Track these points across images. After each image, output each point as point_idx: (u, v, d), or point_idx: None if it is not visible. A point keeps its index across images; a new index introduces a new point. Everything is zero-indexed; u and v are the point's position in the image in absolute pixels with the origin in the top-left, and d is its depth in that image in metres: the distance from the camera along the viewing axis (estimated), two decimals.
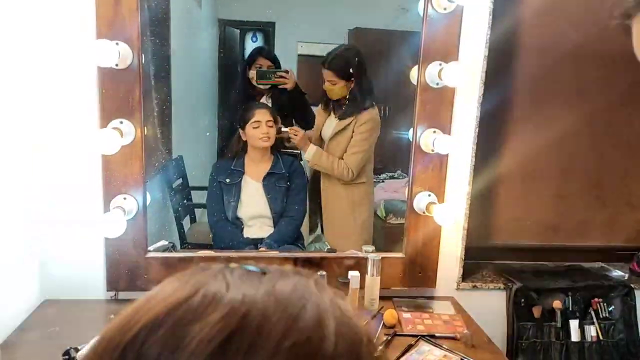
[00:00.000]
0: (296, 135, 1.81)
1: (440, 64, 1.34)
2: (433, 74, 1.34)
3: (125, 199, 1.30)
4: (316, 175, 1.91)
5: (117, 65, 1.20)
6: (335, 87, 1.77)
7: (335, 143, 1.80)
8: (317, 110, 1.90)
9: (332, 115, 1.83)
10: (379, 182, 1.95)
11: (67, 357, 1.07)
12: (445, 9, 1.31)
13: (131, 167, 1.29)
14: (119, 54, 1.19)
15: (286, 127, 1.89)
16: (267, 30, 2.12)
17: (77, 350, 1.09)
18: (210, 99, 2.18)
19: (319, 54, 2.05)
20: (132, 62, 1.24)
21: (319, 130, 1.87)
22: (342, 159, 1.78)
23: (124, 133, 1.24)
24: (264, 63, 1.97)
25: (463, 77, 1.30)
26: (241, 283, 0.31)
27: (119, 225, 1.23)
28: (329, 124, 1.85)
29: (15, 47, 1.18)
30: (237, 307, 0.28)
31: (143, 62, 1.27)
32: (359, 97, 1.75)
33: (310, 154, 1.81)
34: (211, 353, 0.26)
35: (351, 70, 1.75)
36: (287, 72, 1.91)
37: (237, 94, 2.15)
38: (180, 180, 2.04)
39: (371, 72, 1.82)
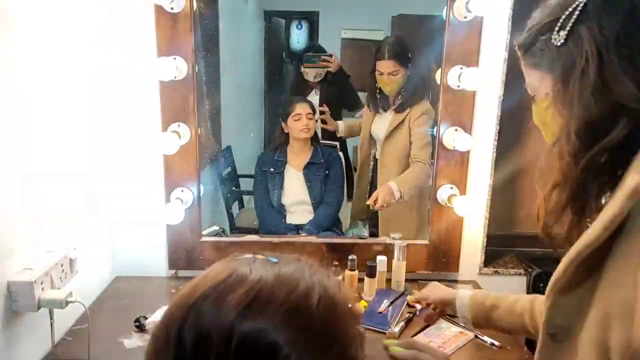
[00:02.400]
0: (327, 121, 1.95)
1: (461, 68, 1.45)
2: (454, 77, 1.46)
3: (182, 191, 1.51)
4: (374, 165, 1.94)
5: (175, 77, 1.40)
6: (397, 77, 1.76)
7: (393, 140, 1.81)
8: (364, 111, 1.96)
9: (382, 112, 1.85)
10: None
11: (137, 323, 1.30)
12: (465, 17, 1.42)
13: (187, 163, 1.50)
14: (176, 68, 1.39)
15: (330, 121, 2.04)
16: (311, 18, 2.22)
17: (145, 318, 1.31)
18: (258, 91, 2.32)
19: (362, 37, 2.18)
20: (187, 74, 1.43)
21: (367, 129, 1.93)
22: (410, 155, 1.78)
23: (181, 135, 1.45)
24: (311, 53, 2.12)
25: (481, 82, 1.41)
26: (260, 268, 0.48)
27: (178, 213, 1.45)
28: (379, 122, 1.88)
29: (94, 66, 1.40)
30: (255, 284, 0.46)
31: (197, 72, 1.47)
32: (417, 87, 1.76)
33: (341, 129, 1.99)
34: (238, 312, 0.43)
35: (410, 56, 1.76)
36: (330, 55, 2.05)
37: (288, 87, 2.31)
38: (229, 169, 2.22)
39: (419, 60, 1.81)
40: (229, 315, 0.43)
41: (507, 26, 1.44)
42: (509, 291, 1.64)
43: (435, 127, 1.57)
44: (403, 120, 1.78)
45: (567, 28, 0.66)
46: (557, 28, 0.67)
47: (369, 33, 2.17)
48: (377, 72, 1.80)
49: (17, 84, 1.06)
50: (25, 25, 1.08)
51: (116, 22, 1.41)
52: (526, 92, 0.77)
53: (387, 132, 1.83)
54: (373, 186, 1.94)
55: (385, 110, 1.86)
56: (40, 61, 1.15)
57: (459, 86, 1.46)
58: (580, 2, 0.65)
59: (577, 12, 0.65)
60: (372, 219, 1.96)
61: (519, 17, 1.44)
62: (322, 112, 2.02)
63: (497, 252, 1.72)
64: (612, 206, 0.64)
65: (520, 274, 1.68)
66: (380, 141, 1.88)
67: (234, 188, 2.24)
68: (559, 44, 0.67)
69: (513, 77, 1.48)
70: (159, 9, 1.38)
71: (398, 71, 1.76)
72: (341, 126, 2.04)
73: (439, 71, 1.54)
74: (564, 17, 0.66)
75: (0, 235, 1.02)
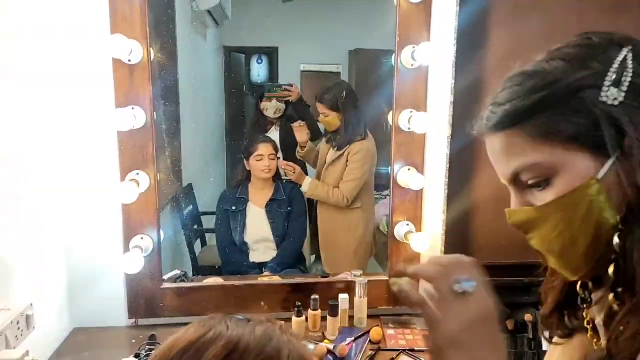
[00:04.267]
0: (293, 172, 1.98)
1: (411, 112, 1.53)
2: (405, 120, 1.53)
3: (142, 238, 1.50)
4: (314, 202, 2.06)
5: (133, 127, 1.42)
6: (328, 119, 1.94)
7: (331, 171, 1.95)
8: (322, 143, 2.05)
9: (332, 145, 1.99)
10: (381, 198, 2.04)
11: None
12: (412, 65, 1.50)
13: (147, 211, 1.50)
14: (134, 117, 1.40)
15: (288, 159, 2.07)
16: (271, 53, 2.27)
17: None
18: (218, 124, 2.33)
19: (322, 71, 2.23)
20: (146, 122, 1.45)
21: (324, 158, 2.02)
22: (338, 187, 1.94)
23: (140, 183, 1.45)
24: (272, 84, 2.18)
25: (430, 124, 1.49)
26: (235, 326, 0.54)
27: (138, 262, 1.44)
28: (330, 154, 2.00)
29: (51, 117, 1.40)
30: (232, 340, 0.52)
31: (155, 119, 1.49)
32: (351, 129, 1.90)
33: (306, 186, 1.99)
34: None
35: (340, 103, 1.90)
36: (291, 85, 2.11)
37: (249, 124, 2.33)
38: (190, 207, 2.21)
39: (370, 97, 1.96)
40: None
41: (452, 73, 1.53)
42: None
43: (373, 167, 1.66)
44: (341, 156, 1.91)
45: (626, 83, 0.53)
46: (607, 82, 0.53)
47: (328, 67, 2.24)
48: None
49: None
50: None
51: (75, 73, 1.42)
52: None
53: (328, 163, 1.95)
54: (314, 216, 2.05)
55: (333, 144, 1.97)
56: None
57: (409, 128, 1.54)
58: (627, 50, 0.54)
59: (630, 62, 0.54)
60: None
61: (462, 65, 1.54)
62: (292, 171, 2.03)
63: None
64: None
65: None
66: (322, 172, 2.00)
67: (195, 227, 2.23)
68: (616, 102, 0.53)
69: (459, 119, 1.57)
70: (117, 62, 1.40)
71: (328, 114, 1.93)
72: (307, 181, 2.01)
73: (390, 113, 1.62)
74: (614, 67, 0.54)
75: None
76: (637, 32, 1.62)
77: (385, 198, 2.07)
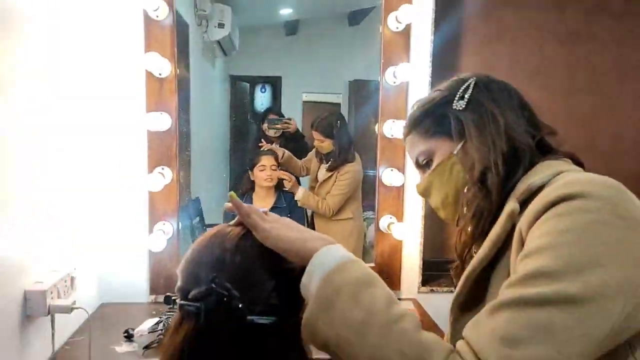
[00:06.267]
0: (289, 181, 2.22)
1: (393, 121, 1.83)
2: (388, 128, 1.83)
3: (164, 224, 1.77)
4: (312, 212, 2.27)
5: (161, 128, 1.71)
6: (323, 145, 2.15)
7: (323, 187, 2.19)
8: (312, 158, 2.25)
9: (323, 164, 2.22)
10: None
11: (126, 334, 1.51)
12: (394, 82, 1.81)
13: (169, 201, 1.78)
14: (162, 121, 1.70)
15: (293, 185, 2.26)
16: (274, 83, 2.39)
17: (132, 329, 1.53)
18: (223, 145, 2.47)
19: (322, 100, 2.39)
20: (171, 126, 1.74)
21: (314, 173, 2.25)
22: (325, 199, 2.17)
23: (165, 176, 1.73)
24: (274, 116, 2.40)
25: None
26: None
27: (161, 242, 1.70)
28: (321, 171, 2.23)
29: (93, 119, 1.69)
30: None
31: (178, 125, 1.78)
32: (342, 154, 2.13)
33: (299, 195, 2.20)
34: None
35: (334, 132, 2.14)
36: (290, 119, 2.32)
37: (251, 142, 2.57)
38: (198, 219, 2.42)
39: (365, 122, 2.16)
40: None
41: (428, 88, 1.84)
42: (444, 308, 1.95)
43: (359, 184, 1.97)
44: (331, 175, 2.15)
45: (466, 98, 0.83)
46: (457, 98, 0.83)
47: (328, 96, 2.40)
48: None
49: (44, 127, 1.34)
50: (25, 82, 1.38)
51: (114, 84, 1.73)
52: None
53: (320, 180, 2.18)
54: (311, 224, 2.26)
55: (325, 163, 2.20)
56: (46, 107, 1.44)
57: (392, 135, 1.83)
58: (472, 81, 0.85)
59: (471, 86, 0.84)
60: None
61: (436, 81, 1.84)
62: (289, 180, 2.23)
63: (434, 276, 2.03)
64: (496, 227, 0.76)
65: (451, 291, 1.97)
66: (316, 186, 2.22)
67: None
68: (460, 108, 0.83)
69: None
70: (149, 74, 1.71)
71: (323, 141, 2.14)
72: (300, 191, 2.23)
73: (377, 124, 1.91)
74: (461, 90, 0.84)
75: (17, 254, 1.26)
76: (587, 60, 2.07)
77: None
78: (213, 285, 0.67)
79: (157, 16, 1.66)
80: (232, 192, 0.77)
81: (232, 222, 0.77)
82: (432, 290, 1.97)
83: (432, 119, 0.85)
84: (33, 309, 1.28)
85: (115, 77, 1.73)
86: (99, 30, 1.70)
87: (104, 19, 1.70)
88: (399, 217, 1.89)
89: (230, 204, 0.76)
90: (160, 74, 1.70)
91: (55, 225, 1.46)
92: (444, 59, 1.91)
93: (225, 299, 0.67)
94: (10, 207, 1.21)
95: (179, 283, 0.73)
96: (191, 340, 0.68)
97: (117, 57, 1.72)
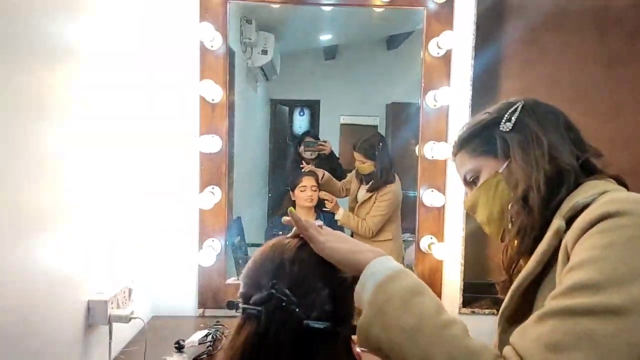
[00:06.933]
0: (330, 201, 2.27)
1: (433, 143, 1.87)
2: (429, 150, 1.87)
3: (213, 240, 1.86)
4: (352, 233, 2.28)
5: (212, 150, 1.81)
6: (364, 166, 2.20)
7: (363, 207, 2.23)
8: (352, 179, 2.30)
9: (363, 185, 2.26)
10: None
11: (177, 345, 1.59)
12: (434, 105, 1.86)
13: (218, 219, 1.87)
14: (214, 144, 1.80)
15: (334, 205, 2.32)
16: (313, 106, 2.44)
17: (183, 340, 1.60)
18: (263, 167, 2.53)
19: (359, 123, 2.43)
20: (221, 148, 1.84)
21: (354, 194, 2.29)
22: (365, 220, 2.20)
23: (214, 194, 1.82)
24: (310, 139, 2.51)
25: (449, 153, 1.81)
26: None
27: (210, 258, 1.78)
28: (361, 192, 2.28)
29: (149, 143, 1.81)
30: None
31: (228, 147, 1.88)
32: (383, 175, 2.17)
33: (340, 215, 2.25)
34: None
35: (375, 153, 2.18)
36: (325, 141, 2.39)
37: (289, 164, 2.66)
38: (239, 238, 2.50)
39: (403, 143, 2.19)
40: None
41: (468, 110, 1.88)
42: (486, 329, 1.94)
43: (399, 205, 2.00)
44: (371, 196, 2.19)
45: (513, 120, 0.89)
46: (504, 120, 0.89)
47: (365, 119, 2.44)
48: None
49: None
50: (95, 104, 1.50)
51: (172, 108, 1.86)
52: None
53: (360, 201, 2.22)
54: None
55: (365, 184, 2.24)
56: (110, 131, 1.56)
57: (432, 157, 1.87)
58: (519, 104, 0.91)
59: (518, 110, 0.90)
60: None
61: (476, 104, 1.89)
62: (330, 200, 2.29)
63: (474, 298, 2.02)
64: (543, 243, 0.79)
65: (493, 313, 1.97)
66: (356, 207, 2.26)
67: (244, 256, 2.51)
68: (507, 130, 0.89)
69: None
70: (203, 100, 1.82)
71: (365, 162, 2.19)
72: (341, 211, 2.27)
73: (417, 146, 1.96)
74: (508, 113, 0.90)
75: (81, 266, 1.36)
76: (627, 84, 2.08)
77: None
78: (273, 291, 0.74)
79: (212, 46, 1.79)
80: (291, 208, 0.84)
81: (289, 235, 0.84)
82: (473, 312, 1.97)
83: (480, 139, 0.92)
84: (95, 317, 1.37)
85: (173, 103, 1.85)
86: (159, 59, 1.83)
87: (163, 50, 1.83)
88: (440, 237, 1.91)
89: (288, 218, 0.83)
90: (212, 100, 1.81)
91: (115, 241, 1.56)
92: (485, 82, 1.95)
93: (284, 303, 0.73)
94: (76, 225, 1.32)
95: (241, 289, 0.80)
96: (252, 342, 0.74)
97: (174, 84, 1.85)
